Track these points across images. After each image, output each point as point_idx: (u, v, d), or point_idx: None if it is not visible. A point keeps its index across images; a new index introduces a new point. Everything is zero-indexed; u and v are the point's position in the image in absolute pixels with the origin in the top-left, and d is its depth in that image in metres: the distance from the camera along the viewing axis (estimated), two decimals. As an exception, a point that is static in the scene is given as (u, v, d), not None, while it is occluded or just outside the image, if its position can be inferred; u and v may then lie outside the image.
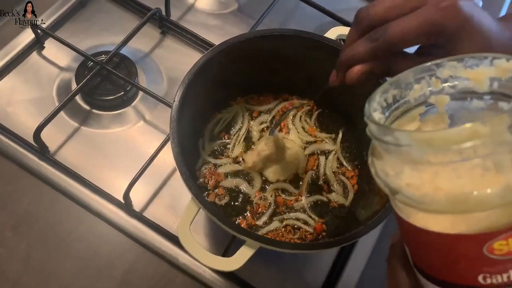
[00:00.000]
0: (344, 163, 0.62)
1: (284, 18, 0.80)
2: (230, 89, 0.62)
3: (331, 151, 0.62)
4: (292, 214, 0.58)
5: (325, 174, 0.61)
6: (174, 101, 0.49)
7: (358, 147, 0.62)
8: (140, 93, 0.68)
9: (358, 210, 0.57)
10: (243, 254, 0.44)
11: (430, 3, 0.36)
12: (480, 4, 0.86)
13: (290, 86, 0.64)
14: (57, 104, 0.63)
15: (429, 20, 0.35)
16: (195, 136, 0.60)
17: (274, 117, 0.64)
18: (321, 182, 0.60)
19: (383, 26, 0.37)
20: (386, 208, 0.46)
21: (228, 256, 0.45)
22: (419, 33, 0.36)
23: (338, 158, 0.62)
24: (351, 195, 0.59)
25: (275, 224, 0.56)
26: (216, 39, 0.72)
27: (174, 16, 0.75)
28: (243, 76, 0.59)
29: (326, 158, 0.62)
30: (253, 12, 0.78)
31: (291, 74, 0.61)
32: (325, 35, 0.57)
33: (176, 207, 0.61)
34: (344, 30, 0.57)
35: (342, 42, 0.68)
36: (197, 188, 0.45)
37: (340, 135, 0.63)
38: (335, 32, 0.57)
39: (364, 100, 0.30)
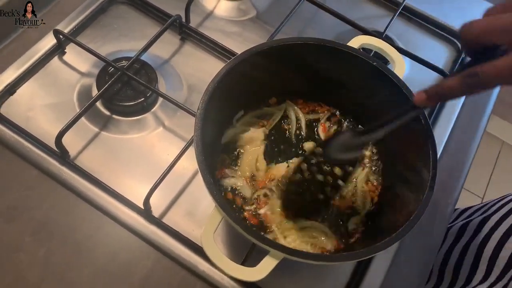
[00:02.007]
0: (371, 178, 0.60)
1: (303, 26, 0.80)
2: (251, 97, 0.61)
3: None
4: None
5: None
6: (198, 109, 0.49)
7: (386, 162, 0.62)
8: (160, 100, 0.68)
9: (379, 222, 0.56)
10: (267, 264, 0.44)
11: None
12: None
13: (311, 95, 0.63)
14: (77, 110, 0.64)
15: None
16: (215, 144, 0.60)
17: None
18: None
19: (478, 67, 0.40)
20: (410, 220, 0.46)
21: (248, 265, 0.45)
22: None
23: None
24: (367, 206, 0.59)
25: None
26: (235, 46, 0.72)
27: (193, 22, 0.75)
28: (264, 84, 0.59)
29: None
30: (272, 19, 0.78)
31: (313, 83, 0.60)
32: (348, 44, 0.56)
33: (195, 214, 0.61)
34: (367, 39, 0.57)
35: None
36: (222, 197, 0.45)
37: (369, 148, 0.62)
38: (359, 41, 0.57)
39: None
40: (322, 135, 0.62)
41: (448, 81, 0.43)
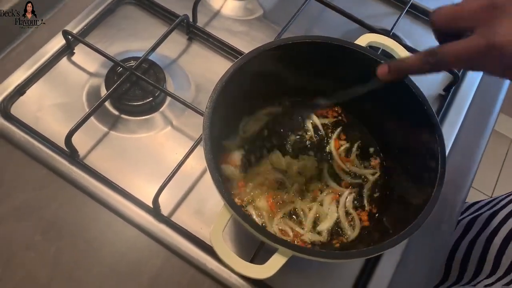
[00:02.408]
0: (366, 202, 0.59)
1: (310, 25, 0.80)
2: (259, 95, 0.62)
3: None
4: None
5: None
6: (206, 108, 0.50)
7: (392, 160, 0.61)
8: (168, 99, 0.69)
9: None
10: (276, 262, 0.44)
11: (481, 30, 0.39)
12: None
13: (320, 94, 0.63)
14: (86, 109, 0.64)
15: (477, 50, 0.39)
16: (226, 140, 0.60)
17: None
18: None
19: (438, 47, 0.42)
20: (419, 218, 0.46)
21: (256, 263, 0.46)
22: (470, 58, 0.40)
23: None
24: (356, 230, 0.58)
25: None
26: (242, 45, 0.73)
27: (200, 22, 0.76)
28: (273, 83, 0.59)
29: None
30: (279, 18, 0.79)
31: (320, 82, 0.60)
32: (355, 42, 0.56)
33: (203, 212, 0.61)
34: (375, 37, 0.57)
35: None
36: (230, 195, 0.45)
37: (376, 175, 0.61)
38: (366, 39, 0.57)
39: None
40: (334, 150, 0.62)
41: (410, 58, 0.46)
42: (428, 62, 0.43)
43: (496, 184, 1.91)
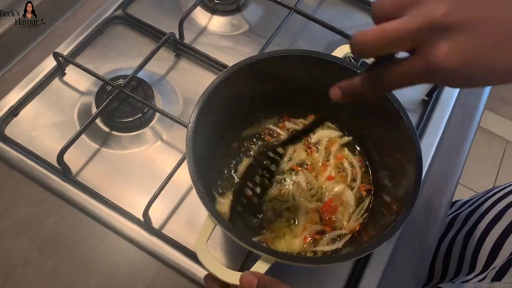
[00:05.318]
0: None
1: (294, 37, 0.82)
2: (243, 108, 0.63)
3: None
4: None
5: None
6: (189, 122, 0.51)
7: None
8: (157, 114, 0.71)
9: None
10: (259, 269, 0.45)
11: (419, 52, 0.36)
12: None
13: (298, 106, 0.65)
14: (78, 128, 0.66)
15: (418, 73, 0.37)
16: (212, 153, 0.62)
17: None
18: None
19: (382, 71, 0.40)
20: (397, 221, 0.47)
21: (245, 270, 0.47)
22: (413, 81, 0.38)
23: None
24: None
25: None
26: (228, 60, 0.75)
27: (187, 39, 0.78)
28: (257, 95, 0.61)
29: None
30: (264, 32, 0.81)
31: (301, 95, 0.62)
32: (332, 53, 0.58)
33: (194, 224, 0.63)
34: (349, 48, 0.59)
35: (352, 60, 0.70)
36: (213, 205, 0.47)
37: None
38: (343, 51, 0.58)
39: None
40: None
41: (357, 83, 0.43)
42: (374, 88, 0.42)
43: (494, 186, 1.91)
